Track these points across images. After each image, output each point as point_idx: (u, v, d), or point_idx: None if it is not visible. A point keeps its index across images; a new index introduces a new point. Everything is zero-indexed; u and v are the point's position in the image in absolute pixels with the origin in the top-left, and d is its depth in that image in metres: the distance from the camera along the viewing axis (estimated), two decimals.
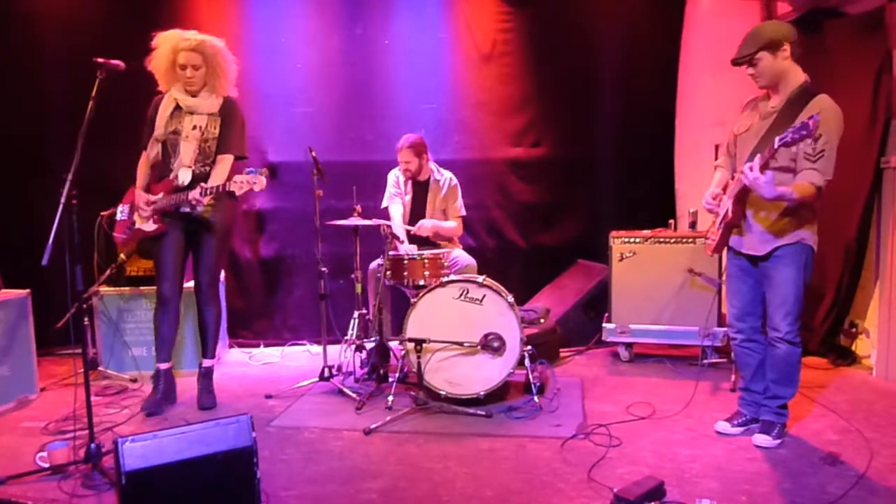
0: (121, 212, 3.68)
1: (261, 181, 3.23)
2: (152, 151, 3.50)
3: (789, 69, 2.82)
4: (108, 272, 4.14)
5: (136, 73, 3.31)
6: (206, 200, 3.35)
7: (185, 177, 3.43)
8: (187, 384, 3.80)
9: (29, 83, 4.67)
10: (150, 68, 3.45)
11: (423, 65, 5.03)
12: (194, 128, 3.44)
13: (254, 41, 4.93)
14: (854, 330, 4.23)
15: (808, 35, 4.29)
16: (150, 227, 3.49)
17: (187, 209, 3.44)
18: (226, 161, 3.49)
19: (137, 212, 3.51)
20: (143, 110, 3.56)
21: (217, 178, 3.42)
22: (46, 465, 2.78)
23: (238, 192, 3.25)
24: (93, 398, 2.84)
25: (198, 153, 3.45)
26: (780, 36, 2.78)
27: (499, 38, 5.05)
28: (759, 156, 2.70)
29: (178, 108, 3.47)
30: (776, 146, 2.60)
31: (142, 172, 3.57)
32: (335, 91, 5.01)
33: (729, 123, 3.17)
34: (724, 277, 4.04)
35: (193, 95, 3.47)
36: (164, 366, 3.58)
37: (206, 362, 3.68)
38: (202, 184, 3.34)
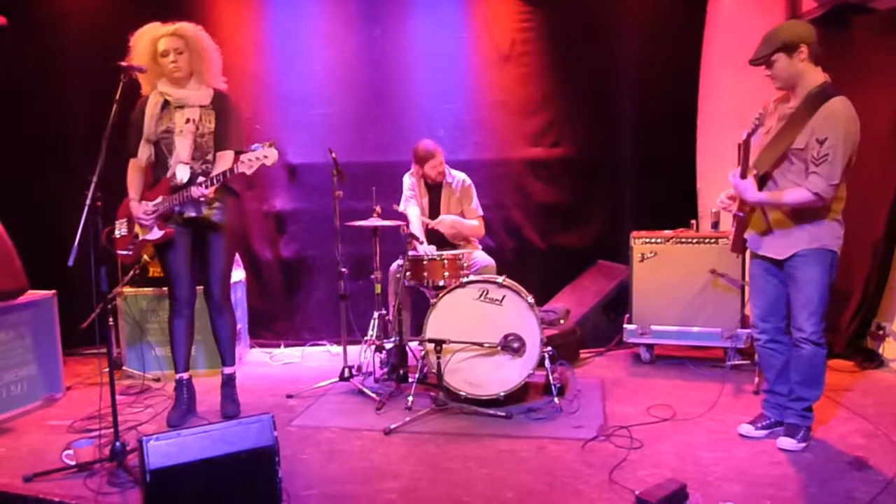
0: (119, 227, 3.44)
1: (272, 153, 3.03)
2: (143, 155, 3.29)
3: (806, 71, 2.78)
4: (131, 273, 4.22)
5: None
6: (211, 192, 3.16)
7: (182, 174, 3.23)
8: (203, 384, 3.79)
9: (52, 84, 4.74)
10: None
11: (442, 65, 5.03)
12: (187, 121, 3.24)
13: (273, 43, 4.96)
14: (881, 332, 4.15)
15: (834, 31, 4.23)
16: (155, 235, 3.28)
17: (192, 213, 3.29)
18: (227, 156, 3.30)
19: (137, 223, 3.29)
20: None
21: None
22: (73, 463, 2.83)
23: (248, 172, 3.06)
24: (117, 397, 2.87)
25: (194, 149, 3.26)
26: (796, 38, 2.74)
27: (518, 37, 5.03)
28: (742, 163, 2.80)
29: (166, 105, 3.28)
30: (744, 137, 2.80)
31: (133, 181, 3.32)
32: (354, 92, 5.02)
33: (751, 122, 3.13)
34: (747, 278, 3.99)
35: (181, 86, 3.27)
36: (184, 376, 3.48)
37: (227, 370, 3.59)
38: (201, 177, 3.18)
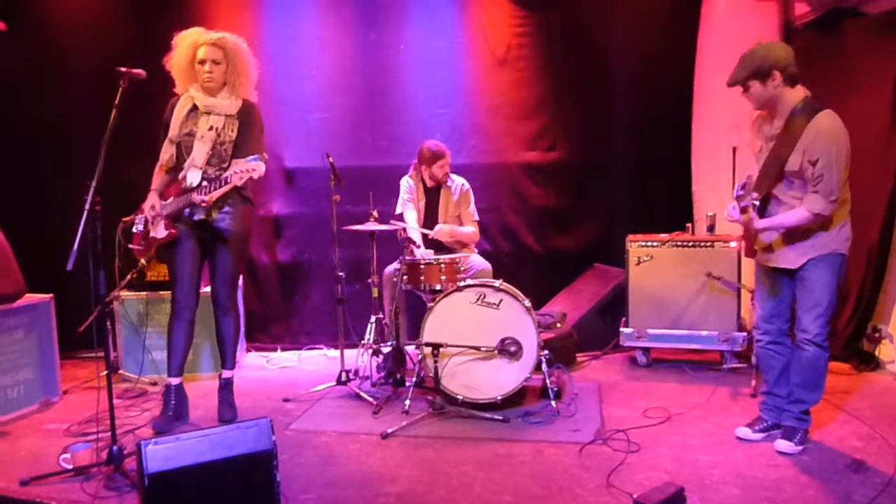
0: (137, 223, 3.53)
1: (259, 167, 3.04)
2: (166, 154, 3.36)
3: (781, 94, 2.79)
4: (128, 277, 4.20)
5: (157, 80, 3.34)
6: (209, 199, 3.16)
7: (193, 178, 3.26)
8: (205, 388, 3.81)
9: (52, 87, 4.73)
10: (168, 67, 3.34)
11: (438, 70, 5.04)
12: (210, 128, 3.29)
13: (269, 48, 4.95)
14: (877, 335, 4.16)
15: (826, 35, 4.27)
16: (161, 233, 3.33)
17: (201, 216, 3.31)
18: (240, 164, 3.20)
19: (147, 216, 3.39)
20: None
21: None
22: (70, 467, 2.82)
23: (238, 183, 3.07)
24: (114, 401, 2.87)
25: (211, 155, 3.30)
26: (769, 64, 2.73)
27: (513, 42, 5.05)
28: (737, 201, 2.79)
29: (194, 108, 3.33)
30: (741, 195, 2.77)
31: (156, 177, 3.42)
32: (350, 97, 5.03)
33: (746, 126, 3.14)
34: (743, 281, 4.01)
35: (212, 95, 3.34)
36: (174, 381, 3.43)
37: (226, 374, 3.58)
38: (205, 182, 3.22)
